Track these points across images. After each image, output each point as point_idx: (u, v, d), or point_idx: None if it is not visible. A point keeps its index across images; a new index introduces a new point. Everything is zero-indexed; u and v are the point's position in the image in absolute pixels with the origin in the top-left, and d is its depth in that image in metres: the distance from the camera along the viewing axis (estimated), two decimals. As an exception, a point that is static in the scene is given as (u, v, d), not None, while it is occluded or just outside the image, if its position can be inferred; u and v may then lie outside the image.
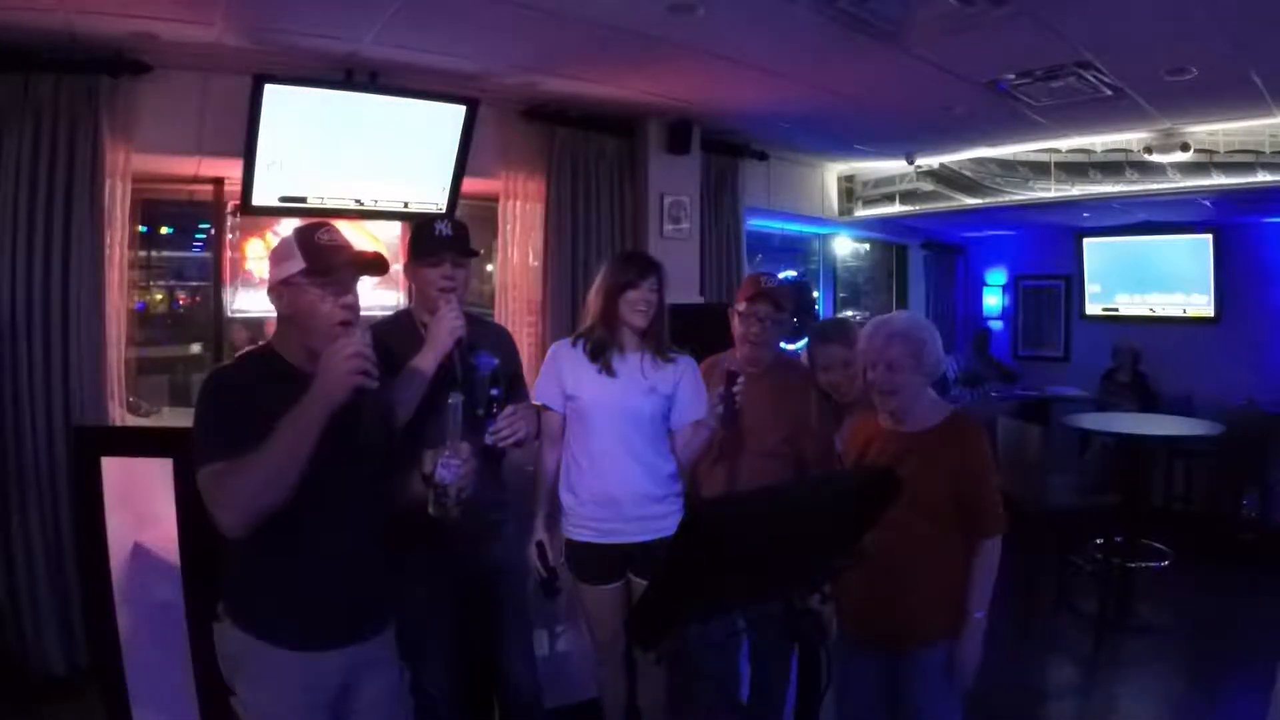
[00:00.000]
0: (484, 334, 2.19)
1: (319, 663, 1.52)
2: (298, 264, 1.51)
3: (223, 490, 1.38)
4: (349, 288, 1.55)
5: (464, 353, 1.99)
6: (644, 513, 2.24)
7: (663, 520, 2.24)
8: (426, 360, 1.96)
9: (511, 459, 2.32)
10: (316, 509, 1.45)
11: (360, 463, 1.55)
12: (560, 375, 2.31)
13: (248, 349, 1.66)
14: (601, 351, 2.26)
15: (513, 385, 2.17)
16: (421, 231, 2.13)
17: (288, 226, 4.05)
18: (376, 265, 1.60)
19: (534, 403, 2.35)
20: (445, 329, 1.98)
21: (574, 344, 2.32)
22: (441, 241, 2.08)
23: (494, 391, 1.98)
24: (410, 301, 2.45)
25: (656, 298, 2.25)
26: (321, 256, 1.51)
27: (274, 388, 1.46)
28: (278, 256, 1.55)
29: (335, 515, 1.50)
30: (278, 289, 1.54)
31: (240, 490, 1.37)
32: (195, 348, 4.24)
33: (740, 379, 2.12)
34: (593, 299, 2.30)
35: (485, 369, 1.99)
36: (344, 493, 1.51)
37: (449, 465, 1.54)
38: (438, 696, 2.13)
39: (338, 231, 1.58)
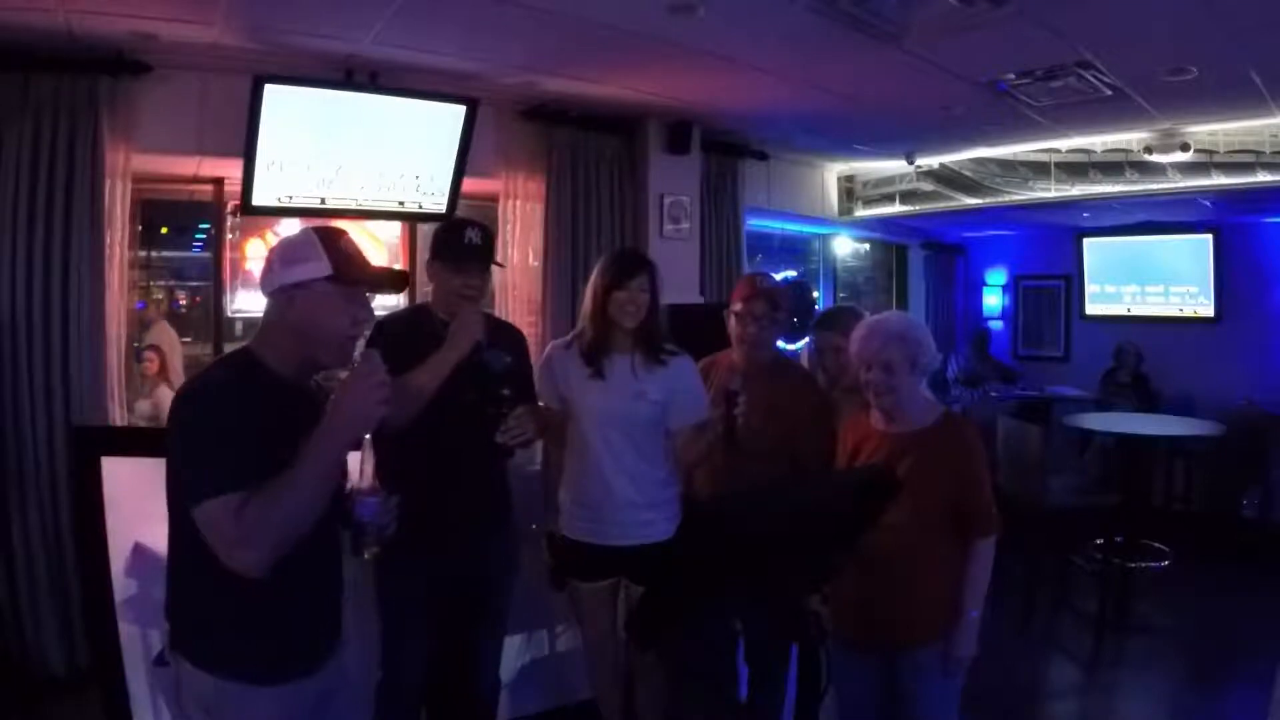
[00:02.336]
0: (500, 334, 2.19)
1: (292, 693, 1.42)
2: (322, 268, 1.38)
3: (246, 526, 1.24)
4: (367, 301, 1.47)
5: (478, 352, 2.02)
6: (627, 519, 2.21)
7: (649, 527, 2.20)
8: (447, 359, 1.99)
9: (515, 461, 2.33)
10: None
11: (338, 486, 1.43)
12: (553, 376, 2.30)
13: (225, 355, 1.47)
14: (593, 353, 2.24)
15: (523, 386, 2.18)
16: (450, 236, 2.14)
17: (287, 226, 4.05)
18: (402, 283, 1.56)
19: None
20: (466, 333, 2.01)
21: (568, 346, 2.31)
22: (470, 249, 2.10)
23: (505, 391, 1.99)
24: (419, 299, 2.46)
25: (647, 298, 2.20)
26: (351, 265, 1.41)
27: (266, 403, 1.35)
28: (291, 256, 1.41)
29: (313, 541, 1.35)
30: (289, 291, 1.39)
31: (270, 526, 1.25)
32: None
33: (741, 398, 2.06)
34: (585, 299, 2.29)
35: (497, 366, 2.01)
36: (324, 517, 1.37)
37: (367, 504, 1.42)
38: (408, 693, 2.15)
39: (352, 240, 1.48)
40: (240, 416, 1.31)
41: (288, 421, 1.33)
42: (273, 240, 4.11)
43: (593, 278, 2.27)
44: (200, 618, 1.38)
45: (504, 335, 2.24)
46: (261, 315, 1.46)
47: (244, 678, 1.36)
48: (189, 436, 1.32)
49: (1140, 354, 6.04)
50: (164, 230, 4.17)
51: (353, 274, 1.41)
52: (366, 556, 1.43)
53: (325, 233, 1.45)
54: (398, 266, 1.73)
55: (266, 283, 1.43)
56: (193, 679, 1.36)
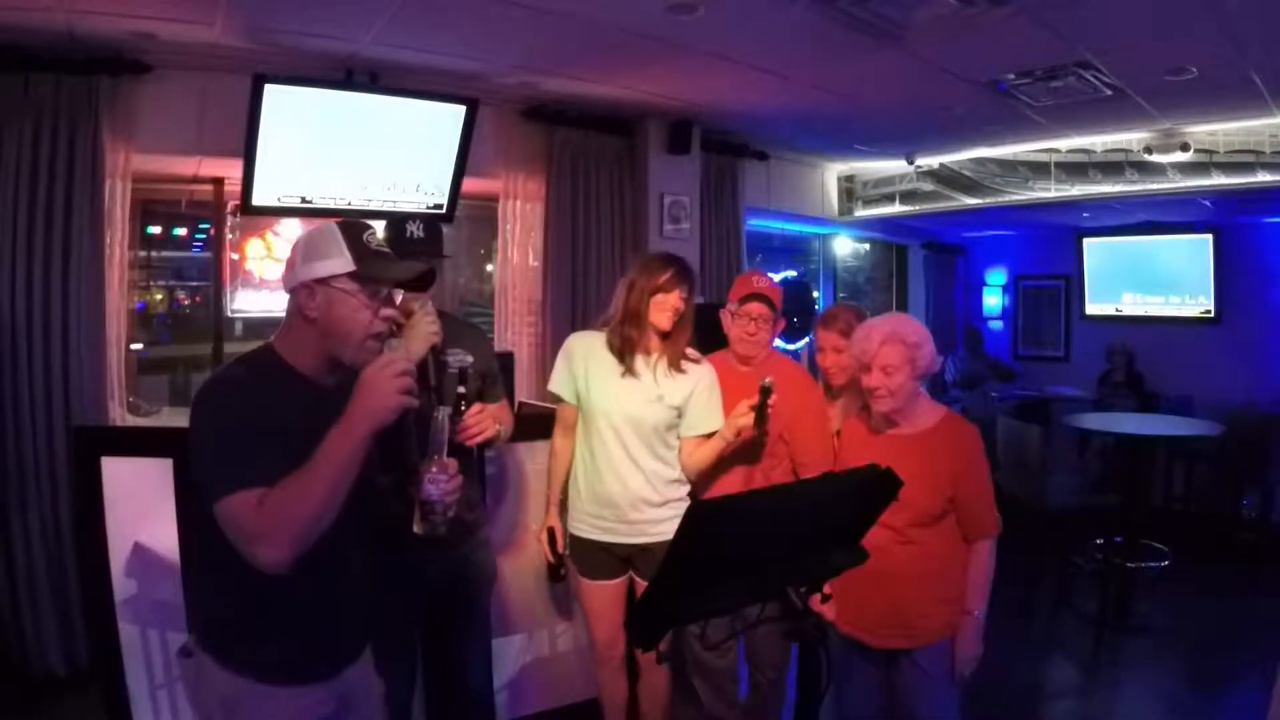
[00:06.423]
0: (457, 333, 2.15)
1: (310, 695, 1.41)
2: (344, 264, 1.35)
3: (269, 521, 1.21)
4: (392, 298, 1.44)
5: (435, 354, 1.98)
6: (641, 517, 2.25)
7: (661, 525, 2.23)
8: None
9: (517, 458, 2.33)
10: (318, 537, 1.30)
11: (363, 486, 1.40)
12: (573, 367, 2.32)
13: (247, 353, 1.46)
14: (623, 350, 2.26)
15: (486, 383, 2.15)
16: (391, 233, 2.08)
17: (288, 226, 4.05)
18: (427, 282, 1.50)
19: (550, 392, 2.38)
20: (421, 335, 1.95)
21: (596, 336, 2.31)
22: (414, 243, 2.02)
23: (461, 389, 1.95)
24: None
25: (685, 306, 2.25)
26: (374, 263, 1.38)
27: (286, 399, 1.34)
28: (313, 251, 1.37)
29: (333, 541, 1.33)
30: (310, 287, 1.36)
31: (292, 521, 1.22)
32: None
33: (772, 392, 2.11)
34: (621, 295, 2.28)
35: (454, 368, 1.99)
36: (345, 518, 1.34)
37: (436, 481, 1.48)
38: (404, 704, 2.14)
39: (376, 235, 1.45)
40: (258, 412, 1.29)
41: (308, 418, 1.31)
42: (274, 241, 4.11)
43: (634, 275, 2.26)
44: (221, 617, 1.39)
45: (462, 334, 2.19)
46: (262, 315, 1.44)
47: (263, 677, 1.36)
48: (206, 434, 1.29)
49: (1131, 352, 6.05)
50: (164, 230, 4.16)
51: (375, 273, 1.37)
52: (418, 530, 1.49)
53: (349, 227, 1.40)
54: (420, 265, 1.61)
55: (288, 278, 1.41)
56: (214, 675, 1.37)
